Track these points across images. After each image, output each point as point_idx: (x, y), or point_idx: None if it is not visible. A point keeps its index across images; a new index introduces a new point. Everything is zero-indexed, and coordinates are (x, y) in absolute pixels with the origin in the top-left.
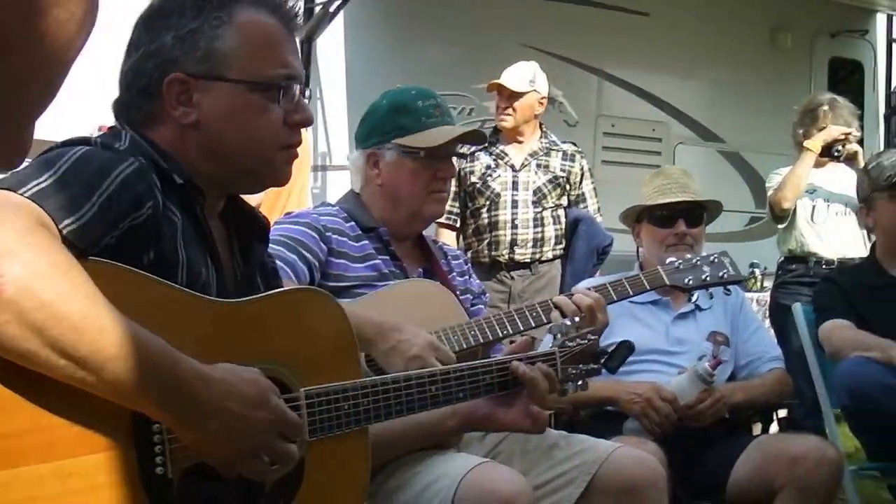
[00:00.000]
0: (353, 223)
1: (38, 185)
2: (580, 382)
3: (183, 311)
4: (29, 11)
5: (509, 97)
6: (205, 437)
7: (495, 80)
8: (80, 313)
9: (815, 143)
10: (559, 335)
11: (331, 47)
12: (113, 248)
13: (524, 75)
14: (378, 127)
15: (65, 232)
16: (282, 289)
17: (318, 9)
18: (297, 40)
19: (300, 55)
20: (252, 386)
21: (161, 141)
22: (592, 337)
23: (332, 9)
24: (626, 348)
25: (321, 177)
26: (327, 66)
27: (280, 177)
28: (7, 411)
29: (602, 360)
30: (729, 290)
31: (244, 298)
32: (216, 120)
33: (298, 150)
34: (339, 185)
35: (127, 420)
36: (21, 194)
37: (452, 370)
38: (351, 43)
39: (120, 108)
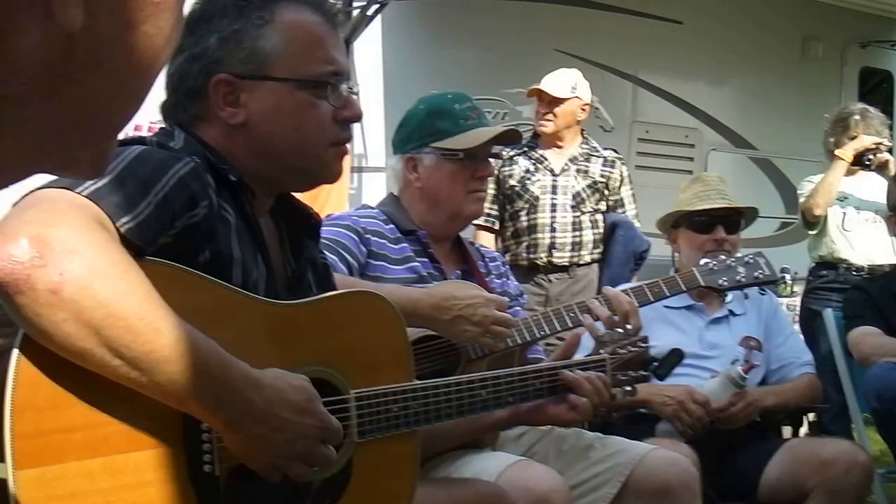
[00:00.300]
0: (392, 226)
1: (94, 183)
2: (628, 388)
3: (238, 311)
4: (119, 27)
5: (550, 103)
6: (251, 441)
7: (536, 86)
8: (136, 314)
9: (847, 152)
10: (609, 343)
11: (368, 50)
12: (169, 246)
13: (566, 82)
14: (416, 132)
15: (122, 230)
16: (339, 291)
17: (356, 12)
18: (341, 36)
19: (344, 50)
20: (300, 392)
21: (210, 140)
22: (643, 345)
23: (369, 12)
24: (675, 356)
25: (357, 178)
26: (364, 69)
27: (331, 174)
28: (59, 407)
29: (651, 368)
30: (764, 290)
31: (300, 300)
32: (264, 119)
33: None
34: (376, 186)
35: (177, 418)
36: (78, 193)
37: (503, 375)
38: (388, 46)
39: (167, 109)
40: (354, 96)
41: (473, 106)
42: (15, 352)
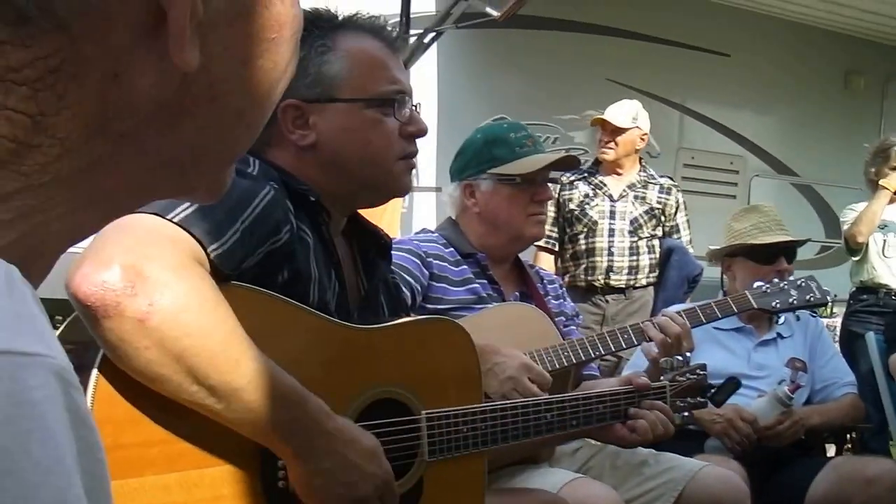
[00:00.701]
0: (452, 249)
1: (184, 210)
2: (686, 414)
3: (313, 333)
4: (235, 64)
5: (612, 132)
6: (315, 475)
7: (600, 115)
8: (219, 346)
9: (891, 181)
10: (669, 370)
11: (424, 75)
12: (251, 269)
13: (628, 112)
14: (474, 159)
15: (211, 256)
16: (416, 317)
17: (412, 39)
18: (401, 60)
19: (405, 71)
20: (370, 440)
21: (283, 163)
22: (702, 373)
23: (426, 40)
24: (733, 385)
25: (409, 197)
26: (420, 93)
27: (401, 186)
28: (136, 423)
29: (709, 395)
30: (815, 312)
31: (376, 325)
32: (334, 138)
33: None
34: (428, 205)
35: None
36: (170, 220)
37: (568, 399)
38: (443, 72)
39: None
40: (418, 113)
41: (529, 134)
42: (94, 371)
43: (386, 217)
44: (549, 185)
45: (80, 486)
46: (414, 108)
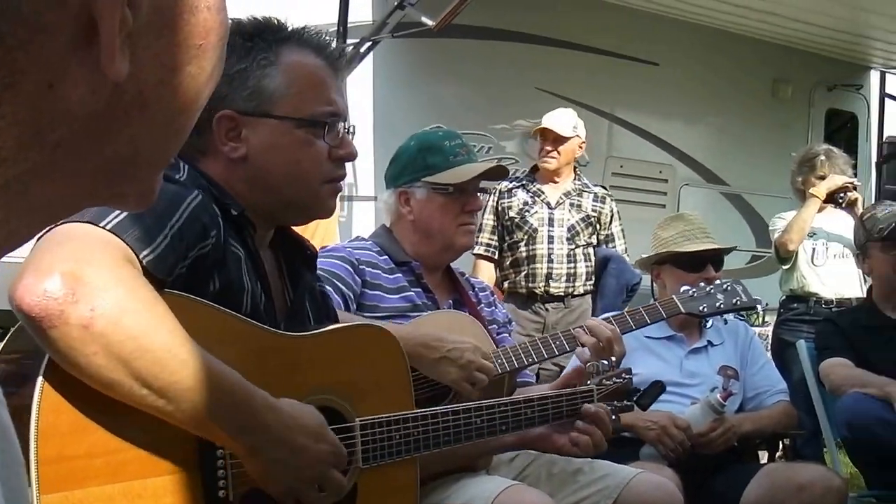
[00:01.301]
0: (386, 257)
1: (116, 217)
2: (614, 417)
3: (248, 342)
4: (163, 72)
5: (555, 140)
6: (270, 465)
7: (541, 126)
8: (163, 347)
9: (821, 190)
10: (595, 374)
11: (360, 86)
12: (183, 277)
13: (569, 121)
14: (408, 167)
15: (144, 262)
16: (345, 324)
17: (349, 49)
18: (341, 80)
19: (343, 92)
20: (313, 419)
21: (213, 173)
22: (627, 376)
23: (362, 50)
24: (658, 388)
25: (347, 207)
26: (356, 103)
27: (325, 209)
28: (81, 433)
29: (635, 398)
30: (743, 316)
31: (309, 333)
32: (263, 154)
33: None
34: (366, 215)
35: (193, 445)
36: (103, 227)
37: (498, 404)
38: (379, 81)
39: None
40: (350, 136)
41: (463, 143)
42: (39, 379)
43: (321, 227)
44: (480, 195)
45: (2, 499)
46: (347, 130)
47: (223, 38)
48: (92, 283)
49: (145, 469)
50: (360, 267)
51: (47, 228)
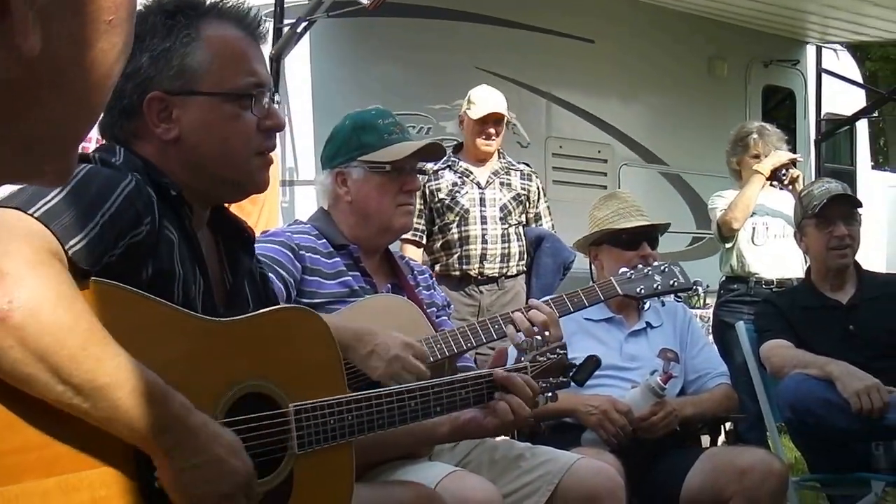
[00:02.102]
0: (324, 240)
1: (46, 203)
2: (549, 394)
3: (177, 329)
4: (75, 49)
5: (495, 122)
6: (184, 472)
7: (493, 110)
8: (79, 343)
9: (766, 167)
10: (528, 350)
11: (297, 66)
12: (114, 265)
13: (503, 100)
14: (343, 146)
15: (70, 252)
16: (271, 307)
17: (286, 29)
18: (264, 49)
19: (268, 65)
20: (231, 435)
21: (147, 156)
22: (562, 352)
23: (298, 30)
24: (593, 363)
25: (289, 192)
26: (294, 85)
27: (257, 182)
28: (12, 428)
29: (570, 374)
30: (680, 297)
31: (236, 318)
32: (194, 133)
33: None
34: (307, 199)
35: None
36: (31, 214)
37: (431, 385)
38: (316, 63)
39: (105, 127)
40: (276, 106)
41: (396, 121)
42: None
43: (265, 212)
44: (419, 175)
45: None
46: (273, 100)
47: (132, 14)
48: (12, 276)
49: (80, 462)
50: (300, 252)
51: None
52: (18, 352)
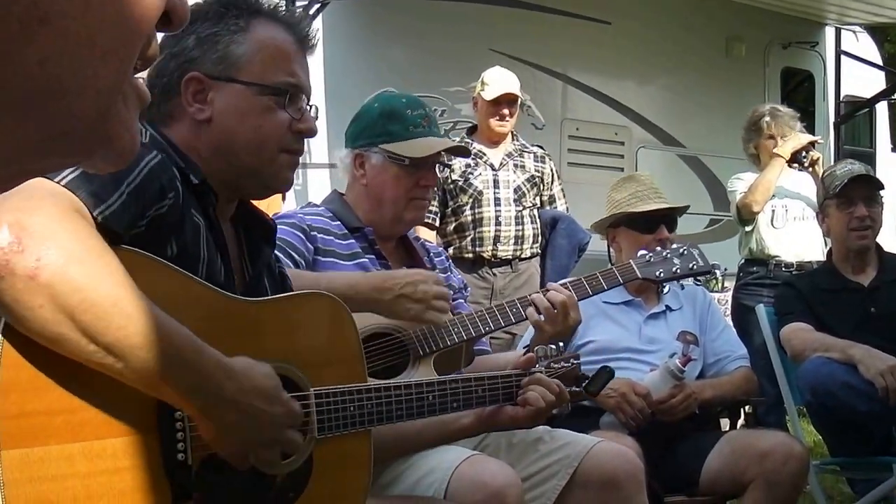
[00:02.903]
0: (339, 223)
1: (71, 173)
2: (563, 406)
3: (203, 304)
4: None
5: (509, 103)
6: (223, 427)
7: (507, 90)
8: (110, 300)
9: (786, 149)
10: (544, 358)
11: None
12: (140, 237)
13: (517, 81)
14: (367, 129)
15: (99, 219)
16: (296, 292)
17: (298, 11)
18: (309, 59)
19: (308, 71)
20: (269, 379)
21: (178, 139)
22: (576, 361)
23: (311, 11)
24: (606, 374)
25: (301, 174)
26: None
27: (281, 179)
28: (41, 390)
29: (583, 384)
30: (699, 280)
31: (261, 299)
32: (227, 118)
33: None
34: (320, 182)
35: (152, 407)
36: (57, 182)
37: (449, 381)
38: (328, 45)
39: None
40: (312, 113)
41: (426, 113)
42: None
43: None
44: (438, 166)
45: None
46: (309, 107)
47: None
48: (38, 233)
49: (104, 430)
50: (312, 233)
51: None
52: (49, 311)
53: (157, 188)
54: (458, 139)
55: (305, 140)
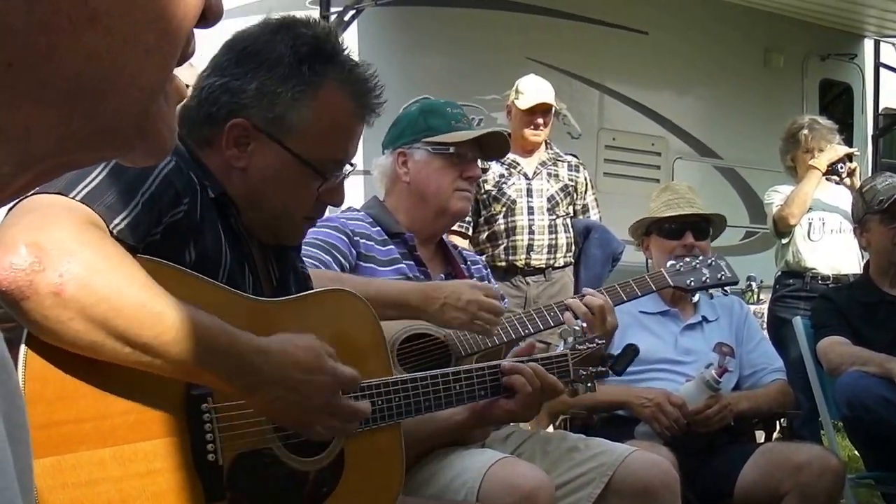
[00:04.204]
0: (378, 228)
1: (85, 187)
2: (589, 384)
3: (223, 306)
4: None
5: (543, 112)
6: (270, 404)
7: (542, 100)
8: (137, 303)
9: (822, 162)
10: (569, 339)
11: None
12: (157, 244)
13: (551, 90)
14: (409, 128)
15: (115, 231)
16: (315, 290)
17: (332, 18)
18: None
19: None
20: (309, 352)
21: (209, 165)
22: (600, 341)
23: (346, 18)
24: (632, 351)
25: None
26: None
27: (295, 239)
28: (69, 398)
29: (609, 364)
30: (727, 291)
31: (282, 299)
32: (261, 175)
33: None
34: (355, 188)
35: (180, 408)
36: (72, 198)
37: (475, 369)
38: (364, 52)
39: (183, 116)
40: (344, 183)
41: (463, 113)
42: (23, 347)
43: None
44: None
45: (3, 431)
46: (346, 173)
47: None
48: (56, 249)
49: (135, 433)
50: (355, 238)
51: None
52: (79, 323)
53: (173, 194)
54: None
55: None
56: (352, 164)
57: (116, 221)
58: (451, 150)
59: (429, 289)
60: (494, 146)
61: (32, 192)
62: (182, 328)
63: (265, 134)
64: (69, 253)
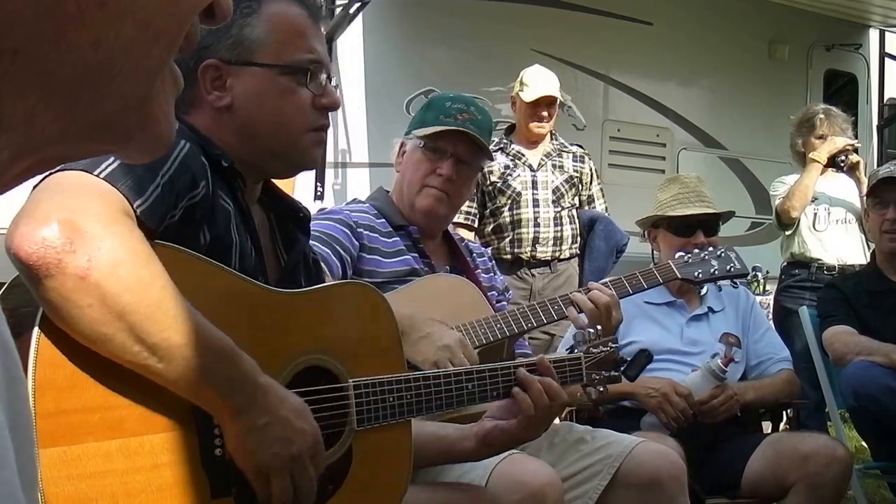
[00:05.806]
0: (383, 220)
1: (108, 166)
2: (601, 388)
3: (240, 296)
4: None
5: (548, 105)
6: (251, 432)
7: (547, 93)
8: (155, 302)
9: (822, 154)
10: (582, 343)
11: (350, 48)
12: (174, 227)
13: (556, 82)
14: (413, 119)
15: (138, 213)
16: (334, 282)
17: (338, 10)
18: (323, 30)
19: (325, 43)
20: (297, 399)
21: (200, 126)
22: (613, 345)
23: (351, 10)
24: (644, 357)
25: (341, 174)
26: (346, 66)
27: (308, 159)
28: (77, 388)
29: (622, 368)
30: (736, 283)
31: (297, 290)
32: (247, 102)
33: None
34: (359, 182)
35: (188, 403)
36: (97, 175)
37: (488, 369)
38: (369, 44)
39: None
40: (332, 86)
41: (466, 109)
42: (36, 331)
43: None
44: (465, 167)
45: (4, 419)
46: (330, 80)
47: None
48: (90, 234)
49: (142, 426)
50: (358, 230)
51: (43, 176)
52: (97, 311)
53: (190, 178)
54: (496, 139)
55: (345, 138)
56: (330, 78)
57: (138, 203)
58: (421, 143)
59: (419, 321)
60: (472, 141)
61: (58, 168)
62: (192, 335)
63: (234, 63)
64: (100, 238)
